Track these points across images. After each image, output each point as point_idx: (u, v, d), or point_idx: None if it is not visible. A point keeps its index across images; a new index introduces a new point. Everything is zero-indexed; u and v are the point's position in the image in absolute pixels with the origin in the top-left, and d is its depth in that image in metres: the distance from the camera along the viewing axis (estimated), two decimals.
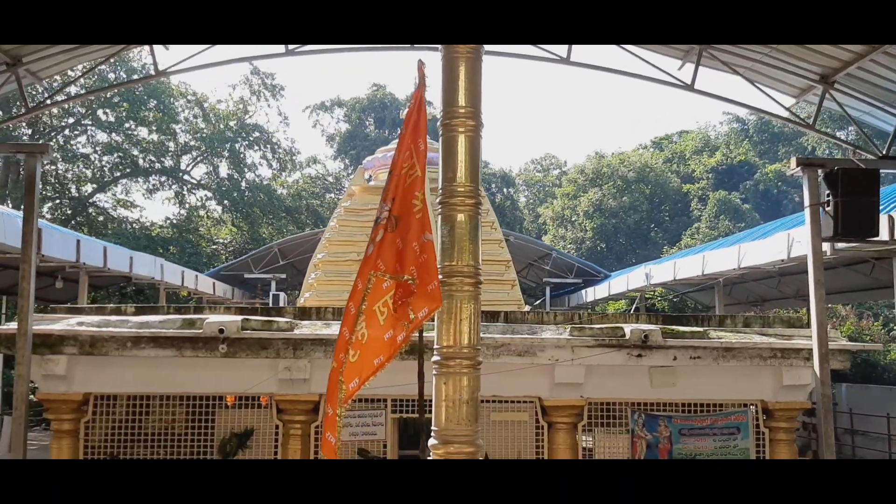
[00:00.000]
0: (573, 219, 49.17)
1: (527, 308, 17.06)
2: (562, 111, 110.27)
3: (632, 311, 24.50)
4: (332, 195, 48.12)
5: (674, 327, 10.34)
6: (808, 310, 21.24)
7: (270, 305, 24.93)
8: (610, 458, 10.19)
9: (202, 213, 41.61)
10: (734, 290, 22.54)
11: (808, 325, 10.67)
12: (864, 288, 18.62)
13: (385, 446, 10.39)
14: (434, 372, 4.54)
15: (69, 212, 36.19)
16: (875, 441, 19.74)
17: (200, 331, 9.72)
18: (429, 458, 4.53)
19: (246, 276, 28.01)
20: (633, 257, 44.71)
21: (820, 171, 10.44)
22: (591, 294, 27.98)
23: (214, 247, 40.69)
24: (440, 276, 4.55)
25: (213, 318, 9.90)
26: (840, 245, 11.05)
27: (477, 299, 4.60)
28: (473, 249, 4.59)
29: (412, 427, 10.09)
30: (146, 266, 20.00)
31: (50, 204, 35.69)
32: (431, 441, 4.52)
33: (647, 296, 26.54)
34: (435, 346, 4.55)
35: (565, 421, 10.33)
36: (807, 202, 10.53)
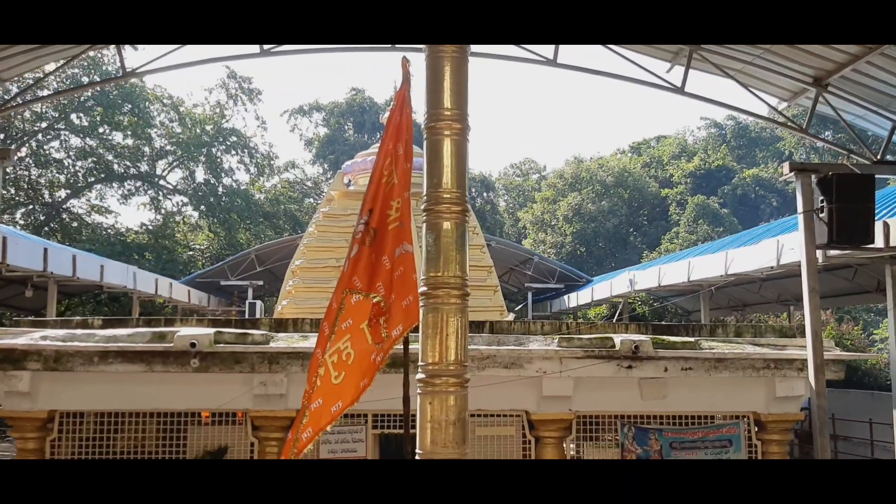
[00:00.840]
0: (553, 223, 49.10)
1: (511, 316, 16.78)
2: (540, 117, 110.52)
3: (615, 319, 24.26)
4: (311, 200, 47.72)
5: (664, 337, 10.04)
6: (790, 316, 21.12)
7: (246, 313, 24.52)
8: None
9: (178, 218, 41.03)
10: (715, 294, 22.36)
11: (800, 335, 10.40)
12: (846, 293, 18.51)
13: None
14: (418, 390, 4.19)
15: (42, 218, 35.57)
16: (857, 446, 19.64)
17: (171, 344, 9.30)
18: None
19: (222, 282, 27.54)
20: (612, 261, 44.74)
21: (813, 176, 10.18)
22: (574, 299, 27.72)
23: (191, 253, 40.16)
24: (425, 288, 4.19)
25: (185, 332, 9.49)
26: (833, 252, 10.79)
27: (464, 312, 4.24)
28: (460, 259, 4.23)
29: (394, 443, 9.73)
30: (118, 274, 19.51)
31: (23, 210, 35.08)
32: None
33: (628, 300, 26.31)
34: (420, 363, 4.20)
35: (553, 435, 10.00)
36: (800, 208, 10.28)
